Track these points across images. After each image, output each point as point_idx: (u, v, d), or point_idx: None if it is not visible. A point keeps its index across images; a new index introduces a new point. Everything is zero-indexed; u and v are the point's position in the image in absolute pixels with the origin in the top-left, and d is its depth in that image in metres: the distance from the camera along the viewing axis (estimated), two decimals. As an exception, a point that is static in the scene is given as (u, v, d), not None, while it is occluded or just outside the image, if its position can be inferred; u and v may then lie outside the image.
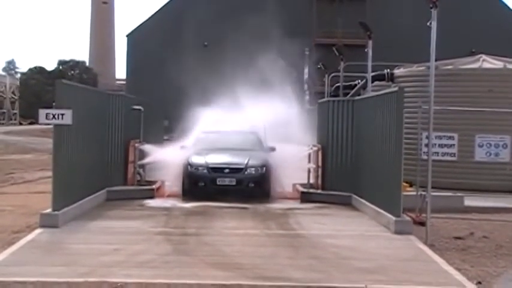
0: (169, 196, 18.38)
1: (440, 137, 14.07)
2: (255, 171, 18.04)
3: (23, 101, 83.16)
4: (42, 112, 13.72)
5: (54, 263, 10.35)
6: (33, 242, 11.91)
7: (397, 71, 24.09)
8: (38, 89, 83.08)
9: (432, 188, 13.40)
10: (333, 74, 32.94)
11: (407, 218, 13.76)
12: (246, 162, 18.11)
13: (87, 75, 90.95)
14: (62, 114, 13.47)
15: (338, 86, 29.32)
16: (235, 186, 17.86)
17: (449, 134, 14.21)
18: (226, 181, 17.88)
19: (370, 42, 19.72)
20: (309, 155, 20.07)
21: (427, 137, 13.65)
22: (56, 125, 13.59)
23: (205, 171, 18.02)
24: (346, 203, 17.28)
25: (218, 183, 17.87)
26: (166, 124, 26.49)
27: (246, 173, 17.99)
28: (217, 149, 19.10)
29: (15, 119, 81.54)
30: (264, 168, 18.16)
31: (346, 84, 28.55)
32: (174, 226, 14.03)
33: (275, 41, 26.03)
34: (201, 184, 18.01)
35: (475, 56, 23.79)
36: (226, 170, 17.95)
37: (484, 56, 23.06)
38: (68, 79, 52.72)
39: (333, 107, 18.59)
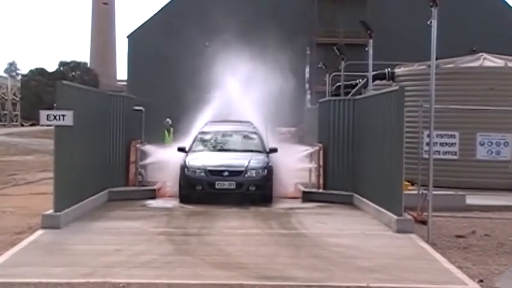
0: (170, 196, 18.32)
1: (441, 136, 14.07)
2: (255, 173, 17.42)
3: (24, 102, 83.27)
4: (43, 113, 13.71)
5: (56, 263, 10.36)
6: (35, 243, 11.92)
7: (398, 70, 24.07)
8: (39, 91, 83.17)
9: (433, 186, 13.39)
10: (334, 73, 32.92)
11: (409, 217, 13.77)
12: (246, 164, 17.49)
13: (88, 76, 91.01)
14: (63, 115, 13.47)
15: (339, 85, 29.31)
16: (235, 189, 17.17)
17: (450, 133, 14.21)
18: (226, 184, 17.16)
19: (370, 41, 19.71)
20: (310, 154, 20.07)
21: (428, 136, 13.65)
22: (57, 126, 13.60)
23: (203, 174, 17.34)
24: (348, 202, 17.27)
25: (217, 186, 17.15)
26: (167, 125, 26.43)
27: (246, 175, 17.31)
28: (216, 151, 18.69)
29: (16, 121, 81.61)
30: (266, 171, 17.55)
31: (347, 83, 28.54)
32: (175, 226, 14.04)
33: (276, 41, 26.06)
34: (198, 188, 17.33)
35: (476, 55, 23.80)
36: (226, 173, 17.26)
37: (485, 54, 23.06)
38: (69, 80, 52.79)
39: (334, 106, 18.58)
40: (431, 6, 12.98)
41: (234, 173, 17.34)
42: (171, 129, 25.61)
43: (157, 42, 55.32)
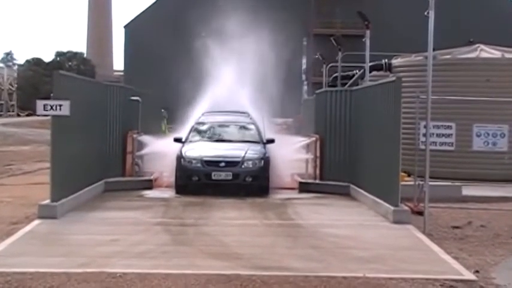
0: (167, 187, 18.30)
1: (438, 127, 14.10)
2: (252, 164, 17.30)
3: (20, 92, 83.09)
4: (40, 103, 13.69)
5: (52, 253, 10.37)
6: (32, 232, 11.91)
7: (395, 61, 24.06)
8: (36, 81, 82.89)
9: (430, 177, 13.40)
10: (331, 64, 32.92)
11: (406, 208, 13.78)
12: (243, 155, 17.38)
13: (85, 66, 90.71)
14: (60, 105, 13.45)
15: (336, 76, 29.31)
16: (232, 180, 17.05)
17: (447, 124, 14.25)
18: (222, 175, 17.03)
19: (368, 32, 19.70)
20: (307, 145, 20.07)
21: (425, 127, 13.64)
22: (53, 116, 13.57)
23: (199, 164, 17.20)
24: (345, 193, 17.28)
25: (213, 177, 17.01)
26: (164, 115, 26.46)
27: (243, 166, 17.21)
28: (213, 141, 18.62)
29: (13, 111, 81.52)
30: (262, 162, 17.43)
31: (344, 74, 28.53)
32: (172, 216, 14.04)
33: (273, 31, 26.01)
34: (194, 178, 17.19)
35: (473, 46, 23.78)
36: (222, 164, 17.13)
37: (481, 46, 23.04)
38: (66, 70, 52.51)
39: (331, 97, 18.57)
40: (429, -3, 12.95)
41: (231, 164, 17.23)
42: (165, 120, 25.60)
43: (154, 33, 55.28)
